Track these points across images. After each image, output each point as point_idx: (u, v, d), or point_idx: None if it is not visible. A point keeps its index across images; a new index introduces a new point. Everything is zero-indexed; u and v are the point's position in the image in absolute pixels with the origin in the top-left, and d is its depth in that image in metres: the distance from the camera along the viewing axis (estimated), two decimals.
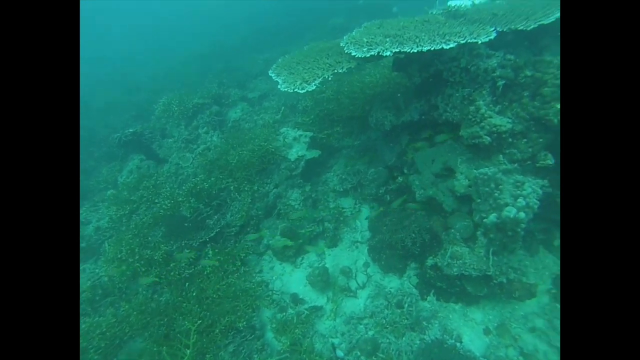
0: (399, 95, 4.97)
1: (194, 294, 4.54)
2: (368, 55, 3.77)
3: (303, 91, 3.87)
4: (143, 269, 4.86)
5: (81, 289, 5.01)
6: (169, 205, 5.52)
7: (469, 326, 4.00)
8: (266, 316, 4.54)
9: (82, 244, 6.16)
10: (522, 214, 3.47)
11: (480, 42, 3.58)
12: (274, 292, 4.82)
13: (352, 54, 3.88)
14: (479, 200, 3.88)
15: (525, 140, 3.97)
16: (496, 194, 3.64)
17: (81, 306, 4.85)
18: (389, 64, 5.18)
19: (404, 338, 3.93)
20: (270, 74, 4.52)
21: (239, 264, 5.04)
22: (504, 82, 3.96)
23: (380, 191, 5.31)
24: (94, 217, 6.93)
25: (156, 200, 5.85)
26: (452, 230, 4.16)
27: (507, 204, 3.55)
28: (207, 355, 3.93)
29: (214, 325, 4.21)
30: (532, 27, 3.76)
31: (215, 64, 12.69)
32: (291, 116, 8.01)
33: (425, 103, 4.65)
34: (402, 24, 4.17)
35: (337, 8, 15.15)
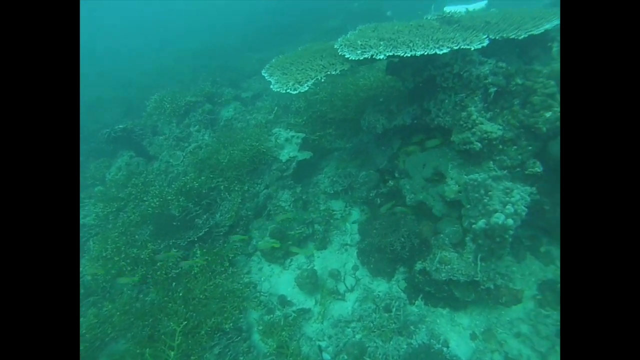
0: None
1: (181, 294, 4.47)
2: (361, 58, 3.76)
3: (295, 92, 3.84)
4: (129, 268, 4.78)
5: None
6: (157, 203, 5.44)
7: (456, 331, 4.01)
8: (253, 318, 4.49)
9: None
10: (510, 221, 3.50)
11: (473, 48, 3.61)
12: (262, 293, 4.77)
13: (346, 56, 3.87)
14: (468, 206, 3.90)
15: (515, 147, 4.01)
16: (485, 200, 3.67)
17: None
18: (384, 67, 5.19)
19: (391, 342, 3.93)
20: (263, 74, 4.49)
21: (227, 264, 4.99)
22: (495, 89, 3.99)
23: (371, 194, 5.30)
24: (80, 214, 6.78)
25: (145, 198, 5.76)
26: (442, 235, 4.18)
27: (495, 211, 3.58)
28: (191, 358, 3.86)
29: (200, 326, 4.15)
30: (522, 36, 3.82)
31: (210, 63, 12.58)
32: (284, 117, 7.97)
33: (418, 107, 4.67)
34: (397, 28, 4.18)
35: (335, 10, 15.18)
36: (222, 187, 5.79)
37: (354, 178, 5.63)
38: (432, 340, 3.87)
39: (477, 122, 3.95)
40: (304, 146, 6.14)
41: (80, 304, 4.81)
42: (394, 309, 4.14)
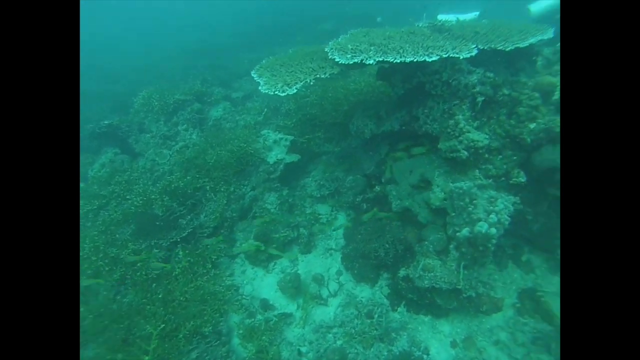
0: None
1: (160, 295, 4.35)
2: (351, 62, 3.75)
3: (284, 94, 3.80)
4: (107, 268, 4.64)
5: None
6: (141, 202, 5.31)
7: (437, 338, 4.01)
8: (234, 321, 4.41)
9: None
10: (493, 230, 3.52)
11: (462, 57, 3.63)
12: (244, 296, 4.69)
13: (336, 60, 3.85)
14: (453, 214, 3.91)
15: (500, 156, 4.05)
16: (470, 209, 3.68)
17: None
18: (374, 72, 5.20)
19: (372, 349, 3.90)
20: (252, 75, 4.44)
21: (210, 266, 4.89)
22: (483, 98, 4.03)
23: (357, 199, 5.28)
24: None
25: (128, 197, 5.63)
26: (426, 243, 4.18)
27: (479, 219, 3.59)
28: None
29: (178, 329, 4.04)
30: (509, 48, 3.87)
31: (201, 61, 12.43)
32: (273, 118, 7.91)
33: (407, 114, 4.68)
34: (388, 34, 4.19)
35: (329, 13, 15.23)
36: (207, 187, 5.69)
37: (341, 182, 5.60)
38: (412, 348, 3.86)
39: (464, 130, 3.97)
40: (292, 149, 6.10)
41: None
42: (376, 316, 4.11)
